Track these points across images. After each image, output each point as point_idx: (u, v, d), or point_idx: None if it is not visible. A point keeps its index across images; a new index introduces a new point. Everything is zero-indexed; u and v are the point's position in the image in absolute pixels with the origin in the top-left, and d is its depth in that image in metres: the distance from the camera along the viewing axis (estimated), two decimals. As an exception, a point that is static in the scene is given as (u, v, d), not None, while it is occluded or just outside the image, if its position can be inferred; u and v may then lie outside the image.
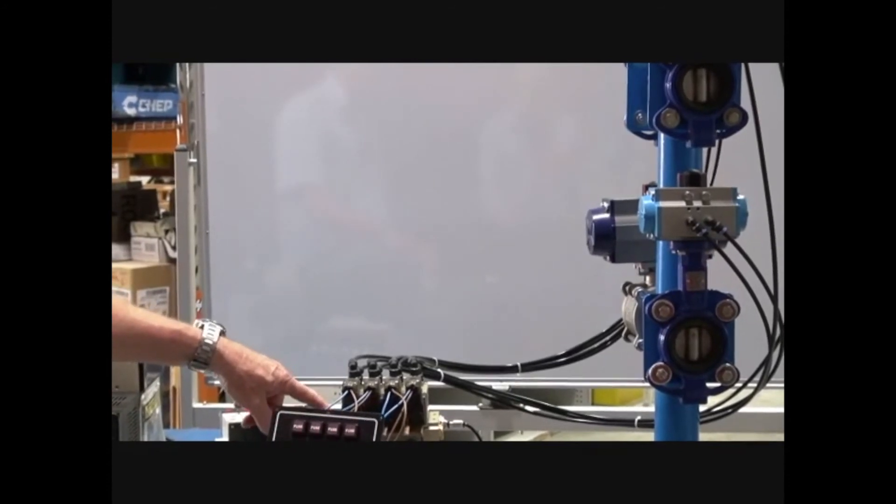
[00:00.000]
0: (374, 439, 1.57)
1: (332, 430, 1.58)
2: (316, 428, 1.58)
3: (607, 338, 1.79)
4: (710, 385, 1.34)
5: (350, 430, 1.58)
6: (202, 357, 1.66)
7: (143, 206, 3.97)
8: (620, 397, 4.18)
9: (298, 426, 1.59)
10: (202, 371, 1.71)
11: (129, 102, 3.83)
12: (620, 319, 1.65)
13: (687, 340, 1.33)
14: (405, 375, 1.69)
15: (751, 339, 1.35)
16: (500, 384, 2.43)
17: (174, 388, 3.52)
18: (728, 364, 1.33)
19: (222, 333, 1.69)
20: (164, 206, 4.14)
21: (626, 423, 1.93)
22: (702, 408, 1.42)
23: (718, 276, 1.33)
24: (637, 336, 1.50)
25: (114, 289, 3.61)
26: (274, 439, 1.59)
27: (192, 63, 2.80)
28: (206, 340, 1.67)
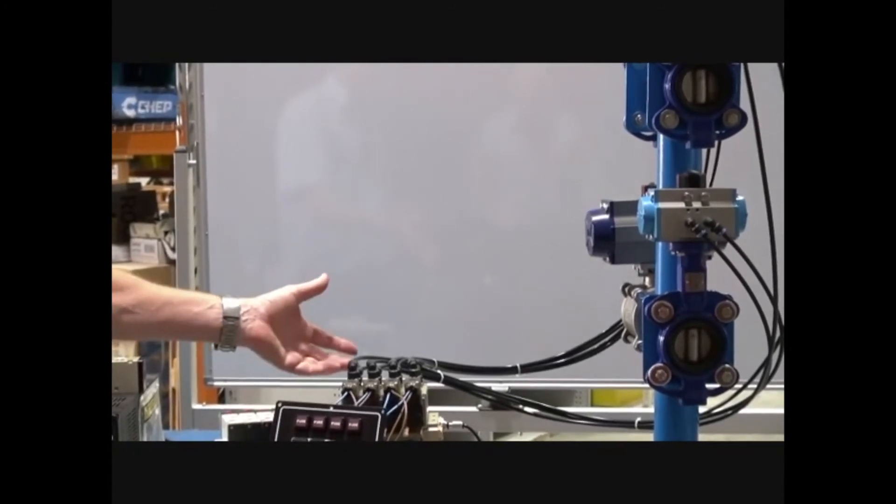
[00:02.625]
0: (377, 434, 1.57)
1: (336, 424, 1.58)
2: (319, 422, 1.58)
3: (607, 339, 1.79)
4: (709, 386, 1.34)
5: (353, 425, 1.58)
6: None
7: (142, 207, 3.97)
8: (620, 398, 4.18)
9: (301, 421, 1.59)
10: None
11: (128, 104, 3.84)
12: (620, 320, 1.65)
13: (686, 341, 1.33)
14: (404, 376, 1.69)
15: (750, 341, 1.35)
16: (499, 385, 2.42)
17: (174, 390, 3.52)
18: (727, 365, 1.33)
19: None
20: (163, 208, 4.14)
21: (625, 424, 1.93)
22: (701, 409, 1.42)
23: (718, 277, 1.33)
24: (636, 337, 1.50)
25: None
26: (277, 434, 1.59)
27: (191, 64, 2.80)
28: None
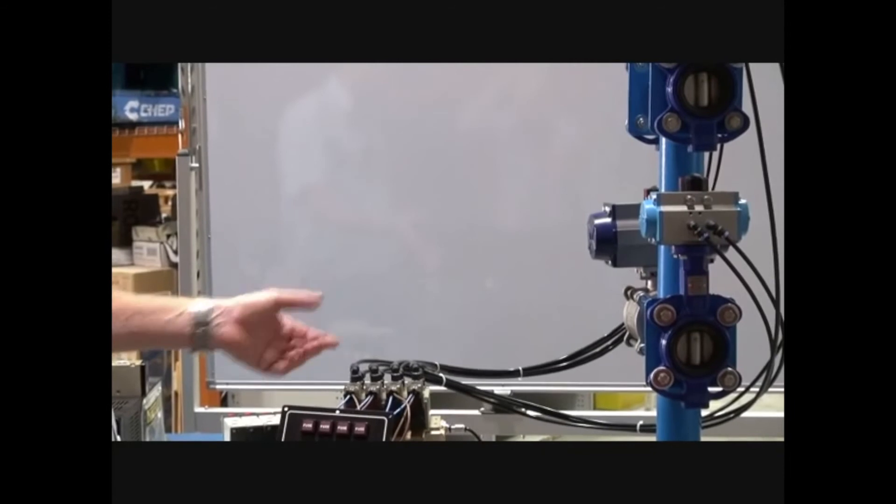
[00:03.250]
0: (383, 437, 1.57)
1: (342, 428, 1.58)
2: (325, 427, 1.58)
3: (609, 342, 1.80)
4: (711, 389, 1.34)
5: (360, 429, 1.58)
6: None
7: (144, 210, 3.97)
8: (622, 402, 4.17)
9: (308, 425, 1.59)
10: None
11: (130, 107, 3.84)
12: (622, 324, 1.65)
13: (688, 345, 1.33)
14: (407, 380, 1.69)
15: (752, 344, 1.35)
16: (501, 388, 2.42)
17: (176, 393, 3.52)
18: (730, 368, 1.33)
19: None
20: (165, 211, 4.14)
21: (628, 427, 1.94)
22: (703, 412, 1.42)
23: (720, 280, 1.33)
24: (639, 340, 1.50)
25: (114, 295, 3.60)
26: (283, 439, 1.59)
27: (193, 67, 2.80)
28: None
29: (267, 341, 1.69)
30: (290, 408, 1.62)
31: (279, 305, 1.69)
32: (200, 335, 1.65)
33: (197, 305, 1.67)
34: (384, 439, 1.57)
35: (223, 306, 1.67)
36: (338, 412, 1.61)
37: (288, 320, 1.72)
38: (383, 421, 1.58)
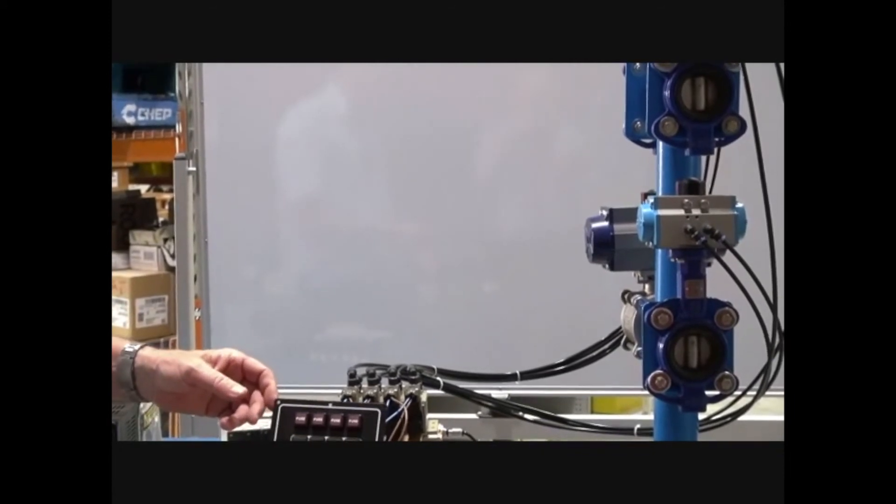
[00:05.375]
0: (377, 430, 1.56)
1: (336, 420, 1.58)
2: (319, 419, 1.58)
3: (606, 346, 1.80)
4: (709, 393, 1.34)
5: (353, 421, 1.57)
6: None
7: (142, 214, 3.97)
8: (620, 406, 4.17)
9: (301, 418, 1.59)
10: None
11: (128, 111, 3.84)
12: (619, 327, 1.66)
13: (686, 348, 1.33)
14: (404, 384, 1.69)
15: (750, 347, 1.35)
16: (499, 392, 2.42)
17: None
18: (727, 372, 1.33)
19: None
20: (163, 215, 4.14)
21: (625, 431, 1.93)
22: (701, 416, 1.42)
23: (717, 283, 1.33)
24: (636, 344, 1.50)
25: (113, 297, 3.61)
26: (276, 433, 1.59)
27: (190, 71, 2.80)
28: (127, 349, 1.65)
29: (204, 399, 1.67)
30: (283, 401, 1.62)
31: (192, 378, 1.64)
32: (130, 395, 1.66)
33: (121, 366, 1.65)
34: (378, 431, 1.57)
35: (147, 369, 1.65)
36: (330, 405, 1.61)
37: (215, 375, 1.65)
38: (377, 413, 1.58)
